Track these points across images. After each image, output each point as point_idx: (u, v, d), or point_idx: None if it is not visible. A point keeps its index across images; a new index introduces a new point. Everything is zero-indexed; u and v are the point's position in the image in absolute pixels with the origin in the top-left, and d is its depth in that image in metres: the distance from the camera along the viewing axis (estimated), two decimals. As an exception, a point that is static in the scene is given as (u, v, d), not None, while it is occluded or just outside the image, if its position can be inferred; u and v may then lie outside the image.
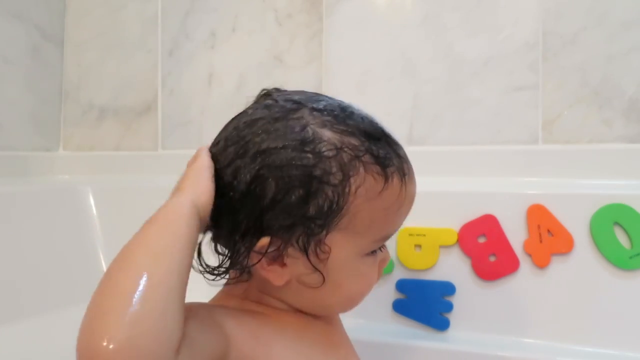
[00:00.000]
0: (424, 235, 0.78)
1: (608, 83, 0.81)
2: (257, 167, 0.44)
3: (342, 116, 0.47)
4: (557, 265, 0.74)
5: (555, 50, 0.84)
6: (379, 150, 0.46)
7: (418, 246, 0.79)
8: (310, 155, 0.44)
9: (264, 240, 0.44)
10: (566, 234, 0.73)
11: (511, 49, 0.86)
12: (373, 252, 0.49)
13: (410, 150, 0.88)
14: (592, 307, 0.72)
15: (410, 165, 0.50)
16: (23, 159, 1.06)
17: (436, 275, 0.78)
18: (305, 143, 0.44)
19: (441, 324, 0.76)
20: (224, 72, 1.03)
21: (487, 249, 0.76)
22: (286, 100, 0.48)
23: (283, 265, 0.46)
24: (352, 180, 0.44)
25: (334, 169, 0.44)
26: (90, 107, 1.13)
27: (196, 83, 1.04)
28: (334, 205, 0.44)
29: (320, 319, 0.53)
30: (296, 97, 0.48)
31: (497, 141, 0.86)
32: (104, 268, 0.37)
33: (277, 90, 0.51)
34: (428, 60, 0.90)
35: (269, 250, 0.45)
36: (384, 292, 0.79)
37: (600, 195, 0.73)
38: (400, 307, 0.79)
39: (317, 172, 0.43)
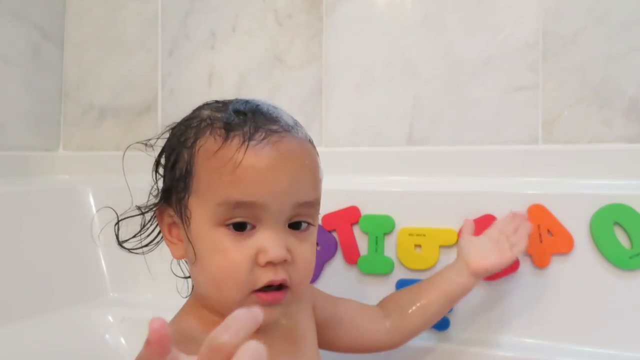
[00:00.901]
0: (424, 235, 0.78)
1: (608, 83, 0.81)
2: (164, 145, 0.55)
3: (232, 103, 0.52)
4: (557, 265, 0.74)
5: (555, 50, 0.84)
6: (236, 120, 0.49)
7: (418, 246, 0.79)
8: (183, 127, 0.52)
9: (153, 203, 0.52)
10: (566, 234, 0.73)
11: (511, 49, 0.86)
12: (231, 227, 0.47)
13: (410, 150, 0.90)
14: (591, 307, 0.72)
15: (274, 139, 0.48)
16: (23, 159, 1.06)
17: (436, 275, 0.78)
18: (185, 120, 0.53)
19: (441, 324, 0.76)
20: (224, 72, 1.03)
21: (487, 249, 0.76)
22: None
23: (180, 239, 0.51)
24: (198, 142, 0.49)
25: (191, 135, 0.50)
26: (90, 107, 1.13)
27: (196, 83, 1.04)
28: (188, 166, 0.49)
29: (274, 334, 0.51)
30: (225, 100, 0.54)
31: (497, 141, 0.86)
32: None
33: None
34: (428, 60, 0.90)
35: (164, 218, 0.52)
36: (384, 292, 0.79)
37: (600, 195, 0.73)
38: (400, 307, 0.79)
39: (182, 139, 0.51)
